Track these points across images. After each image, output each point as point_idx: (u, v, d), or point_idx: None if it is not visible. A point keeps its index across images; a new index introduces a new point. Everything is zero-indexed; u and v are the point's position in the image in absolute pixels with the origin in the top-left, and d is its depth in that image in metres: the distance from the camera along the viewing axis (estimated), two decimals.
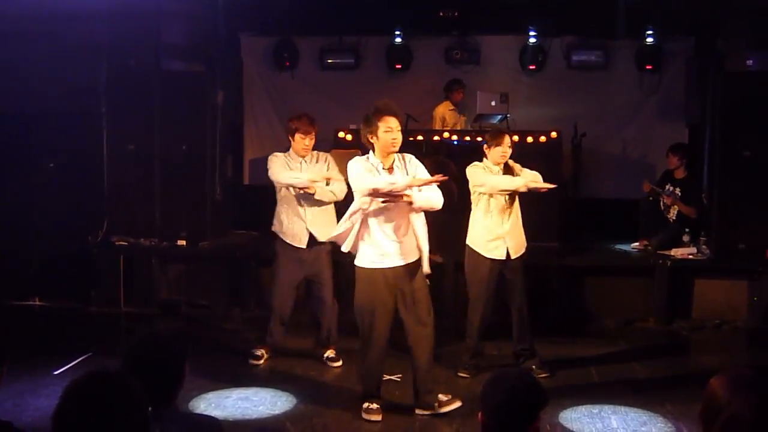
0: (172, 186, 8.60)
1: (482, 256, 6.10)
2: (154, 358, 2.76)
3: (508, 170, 6.13)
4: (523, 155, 8.51)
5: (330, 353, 6.51)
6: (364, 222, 5.13)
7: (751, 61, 8.29)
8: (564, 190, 9.39)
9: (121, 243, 8.48)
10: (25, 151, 8.62)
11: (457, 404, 5.27)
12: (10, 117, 8.49)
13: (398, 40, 10.59)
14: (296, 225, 6.33)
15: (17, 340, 6.89)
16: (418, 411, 5.29)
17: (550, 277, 7.90)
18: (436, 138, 9.16)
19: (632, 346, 7.24)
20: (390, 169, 5.12)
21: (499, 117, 9.33)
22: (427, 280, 5.30)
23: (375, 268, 5.14)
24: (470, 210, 6.20)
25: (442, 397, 5.32)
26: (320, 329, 6.55)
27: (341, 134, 9.13)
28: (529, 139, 8.89)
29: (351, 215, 5.15)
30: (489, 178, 6.04)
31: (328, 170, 6.33)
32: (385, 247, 5.11)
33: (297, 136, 6.31)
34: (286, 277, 6.44)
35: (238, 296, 8.32)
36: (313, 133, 6.34)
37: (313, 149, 6.44)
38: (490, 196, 6.05)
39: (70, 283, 8.42)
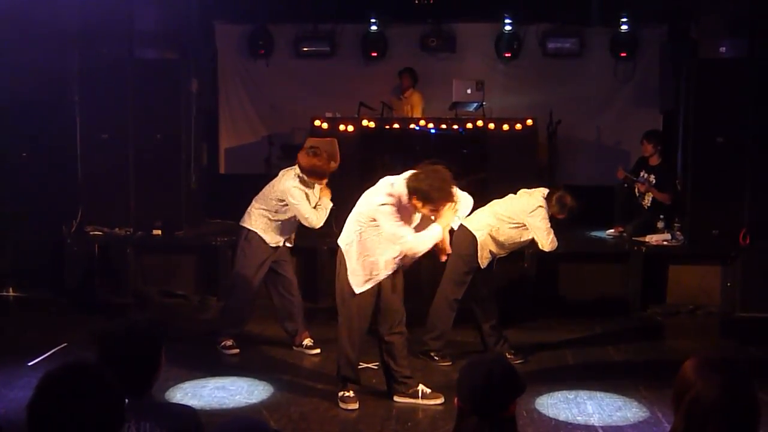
0: (147, 175, 8.52)
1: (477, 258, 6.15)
2: (128, 348, 2.74)
3: None
4: (499, 143, 8.63)
5: (308, 341, 6.51)
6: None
7: (724, 48, 8.34)
8: (540, 176, 9.44)
9: (95, 233, 8.41)
10: None
11: (440, 400, 5.27)
12: None
13: (374, 27, 10.59)
14: (280, 232, 6.38)
15: None
16: (397, 397, 5.31)
17: (525, 263, 7.92)
18: (412, 126, 9.16)
19: (607, 332, 7.29)
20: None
21: (475, 105, 9.35)
22: None
23: None
24: None
25: (425, 388, 5.32)
26: (290, 322, 6.52)
27: (317, 122, 9.09)
28: (505, 127, 8.90)
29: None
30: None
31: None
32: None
33: (313, 179, 6.16)
34: (258, 274, 6.42)
35: (214, 285, 8.27)
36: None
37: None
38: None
39: (44, 273, 8.34)
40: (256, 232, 6.34)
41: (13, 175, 8.51)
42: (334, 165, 6.29)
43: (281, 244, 6.42)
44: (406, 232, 4.93)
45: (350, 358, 5.26)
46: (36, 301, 8.15)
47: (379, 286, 5.15)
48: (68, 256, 8.34)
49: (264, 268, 6.40)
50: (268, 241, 6.34)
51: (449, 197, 4.91)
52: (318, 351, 6.44)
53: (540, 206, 6.05)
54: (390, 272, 5.12)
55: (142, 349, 2.78)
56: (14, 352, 6.10)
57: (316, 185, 6.19)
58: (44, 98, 8.36)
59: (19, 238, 8.48)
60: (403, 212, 4.95)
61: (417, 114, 9.94)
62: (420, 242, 4.94)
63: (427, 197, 4.85)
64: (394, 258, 5.07)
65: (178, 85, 8.69)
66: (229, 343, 6.48)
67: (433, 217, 4.99)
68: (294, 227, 6.44)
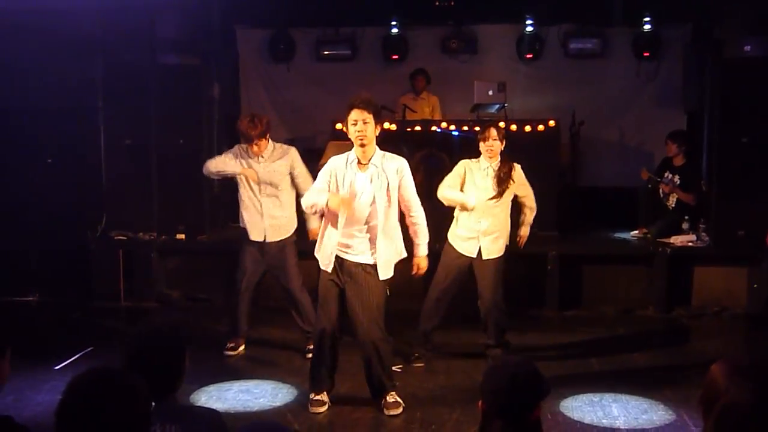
0: (170, 180, 8.57)
1: (454, 248, 6.11)
2: (152, 352, 2.76)
3: (506, 170, 6.03)
4: (521, 144, 8.58)
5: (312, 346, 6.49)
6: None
7: (749, 47, 8.26)
8: (563, 178, 9.40)
9: (119, 237, 8.47)
10: (22, 147, 8.59)
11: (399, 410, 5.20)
12: (6, 113, 8.47)
13: (394, 30, 10.58)
14: (255, 219, 6.38)
15: (17, 335, 6.96)
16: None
17: (549, 265, 7.88)
18: (433, 128, 9.14)
19: (632, 334, 7.25)
20: (364, 166, 5.06)
21: (497, 106, 9.31)
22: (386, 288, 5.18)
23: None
24: None
25: (389, 398, 5.24)
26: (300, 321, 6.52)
27: (338, 126, 9.08)
28: (527, 128, 8.86)
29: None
30: (441, 188, 6.09)
31: (292, 164, 6.33)
32: (342, 239, 5.12)
33: (243, 143, 6.33)
34: (249, 270, 6.47)
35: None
36: (255, 138, 6.20)
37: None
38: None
39: (69, 278, 8.42)
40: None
41: (38, 181, 8.61)
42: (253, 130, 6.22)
43: (262, 238, 6.38)
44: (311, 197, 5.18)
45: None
46: (61, 305, 8.22)
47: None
48: (93, 261, 8.41)
49: (255, 262, 6.45)
50: (250, 236, 6.43)
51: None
52: None
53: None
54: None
55: (167, 353, 2.79)
56: (41, 357, 6.15)
57: (282, 152, 6.33)
58: (68, 105, 8.46)
59: (44, 243, 8.56)
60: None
61: (438, 116, 9.92)
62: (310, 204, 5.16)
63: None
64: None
65: (200, 91, 8.75)
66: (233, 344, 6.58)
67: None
68: (257, 215, 6.36)
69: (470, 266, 6.11)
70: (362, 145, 5.02)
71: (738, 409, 2.18)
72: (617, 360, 6.49)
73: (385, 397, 5.21)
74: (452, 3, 10.10)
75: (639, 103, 10.41)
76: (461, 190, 6.06)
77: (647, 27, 10.11)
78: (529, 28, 10.35)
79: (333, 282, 5.14)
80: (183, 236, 8.53)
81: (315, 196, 5.12)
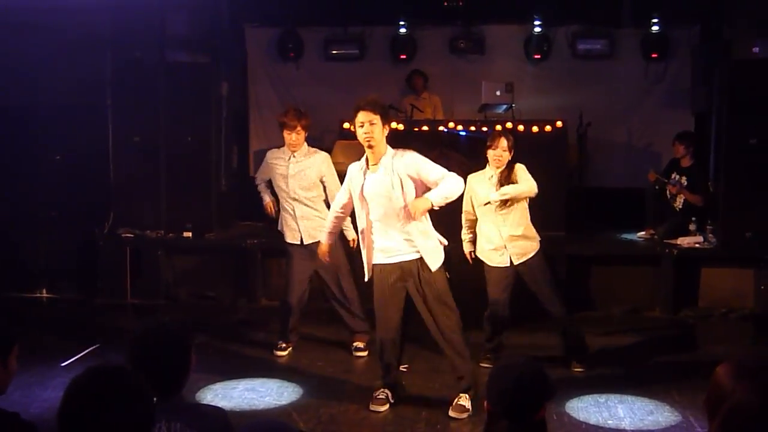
0: (178, 177, 8.59)
1: (488, 264, 6.06)
2: (158, 350, 2.76)
3: (508, 174, 5.94)
4: (529, 145, 8.57)
5: (358, 343, 6.52)
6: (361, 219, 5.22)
7: (757, 49, 8.23)
8: (570, 179, 9.39)
9: (127, 235, 8.50)
10: (31, 144, 8.64)
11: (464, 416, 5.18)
12: (16, 111, 8.51)
13: (403, 30, 10.59)
14: (289, 222, 6.43)
15: (25, 331, 6.99)
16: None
17: (556, 266, 7.87)
18: (441, 128, 9.14)
19: (639, 335, 7.24)
20: (375, 167, 5.04)
21: (504, 107, 9.31)
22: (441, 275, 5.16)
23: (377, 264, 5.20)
24: None
25: (459, 400, 5.22)
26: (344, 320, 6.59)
27: (346, 125, 9.11)
28: (535, 129, 8.86)
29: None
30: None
31: (321, 170, 6.35)
32: (378, 244, 5.14)
33: (284, 132, 6.36)
34: (295, 272, 6.47)
35: (244, 287, 8.32)
36: (299, 127, 6.29)
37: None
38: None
39: (76, 275, 8.46)
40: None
41: (47, 178, 8.65)
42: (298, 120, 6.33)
43: (297, 240, 6.42)
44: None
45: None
46: (69, 302, 8.26)
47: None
48: (100, 258, 8.44)
49: (301, 264, 6.46)
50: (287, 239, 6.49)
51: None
52: (366, 353, 6.46)
53: None
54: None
55: (172, 350, 2.79)
56: (48, 353, 6.19)
57: (314, 156, 6.37)
58: (77, 102, 8.49)
59: (52, 239, 8.61)
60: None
61: (440, 115, 9.93)
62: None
63: None
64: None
65: (208, 89, 8.77)
66: (283, 345, 6.60)
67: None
68: (292, 217, 6.41)
69: (514, 273, 6.05)
70: (370, 147, 5.02)
71: (744, 411, 2.17)
72: (623, 361, 6.48)
73: (456, 398, 5.21)
74: (461, 3, 10.09)
75: (647, 104, 10.40)
76: (473, 210, 6.07)
77: (655, 28, 10.10)
78: (537, 29, 10.34)
79: (389, 287, 5.15)
80: (190, 234, 8.54)
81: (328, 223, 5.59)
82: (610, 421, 5.08)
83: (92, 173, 8.67)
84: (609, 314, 7.83)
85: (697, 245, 8.09)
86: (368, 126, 4.97)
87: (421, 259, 5.05)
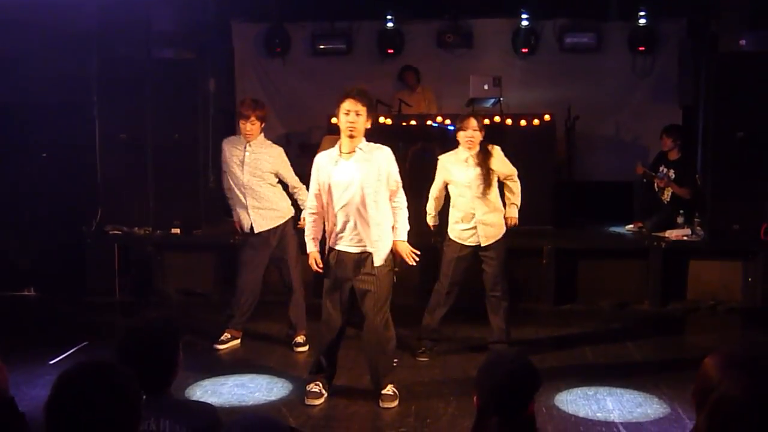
0: (166, 174, 8.55)
1: (455, 242, 6.16)
2: (145, 346, 2.76)
3: (485, 155, 6.07)
4: (517, 139, 8.59)
5: (298, 338, 6.55)
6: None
7: (744, 42, 8.26)
8: (558, 173, 9.40)
9: (115, 232, 8.46)
10: (17, 142, 8.58)
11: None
12: (1, 109, 8.45)
13: (390, 24, 10.57)
14: (240, 213, 6.49)
15: (12, 330, 6.95)
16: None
17: (544, 259, 7.89)
18: (429, 122, 9.13)
19: (627, 328, 7.26)
20: (349, 155, 5.05)
21: (492, 101, 9.30)
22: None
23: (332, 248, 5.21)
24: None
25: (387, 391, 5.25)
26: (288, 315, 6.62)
27: (334, 120, 9.03)
28: (523, 123, 8.87)
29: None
30: (429, 200, 6.31)
31: (276, 164, 6.42)
32: (337, 231, 5.14)
33: (240, 121, 6.41)
34: (247, 261, 6.55)
35: (233, 284, 8.28)
36: (253, 117, 6.32)
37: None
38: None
39: (64, 272, 8.41)
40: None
41: (33, 176, 8.60)
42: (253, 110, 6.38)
43: (247, 228, 6.49)
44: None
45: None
46: (56, 300, 8.21)
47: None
48: (88, 256, 8.40)
49: (252, 253, 6.54)
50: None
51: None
52: (306, 348, 6.49)
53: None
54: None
55: (160, 347, 2.79)
56: (36, 351, 6.14)
57: (269, 149, 6.43)
58: (63, 99, 8.45)
59: (40, 237, 8.55)
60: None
61: (434, 109, 9.93)
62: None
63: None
64: None
65: (195, 85, 8.72)
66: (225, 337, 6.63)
67: None
68: (243, 207, 6.47)
69: (474, 256, 6.15)
70: (351, 136, 5.04)
71: (731, 402, 2.18)
72: (612, 354, 6.50)
73: (383, 389, 5.23)
74: None
75: (634, 97, 10.42)
76: (446, 190, 6.21)
77: (642, 21, 10.11)
78: (525, 23, 10.34)
79: (337, 275, 5.16)
80: (179, 231, 8.51)
81: (308, 230, 5.33)
82: (599, 414, 5.09)
83: (79, 171, 8.62)
84: (598, 307, 7.85)
85: (685, 238, 8.12)
86: (354, 115, 5.00)
87: (371, 253, 5.07)
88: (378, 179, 5.01)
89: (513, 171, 6.21)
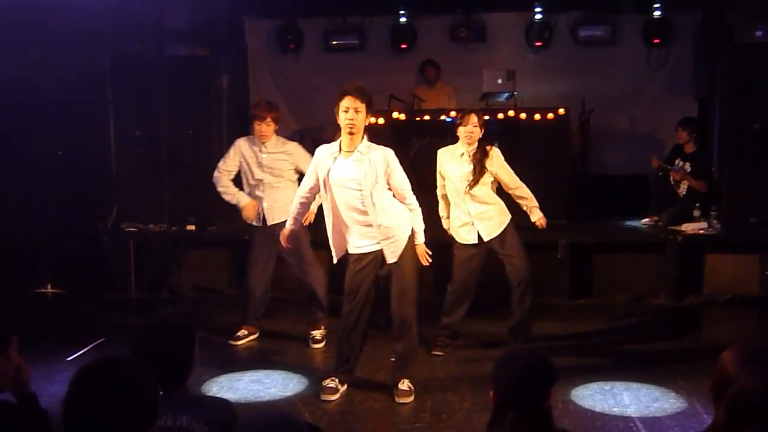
0: (180, 171, 8.59)
1: (459, 243, 6.14)
2: (161, 342, 2.77)
3: (481, 153, 6.04)
4: (531, 133, 8.56)
5: (316, 333, 6.55)
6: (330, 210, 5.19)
7: (760, 32, 8.20)
8: (573, 166, 9.36)
9: (130, 229, 8.50)
10: (33, 140, 8.62)
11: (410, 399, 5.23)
12: (16, 108, 8.49)
13: (403, 19, 10.54)
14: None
15: (30, 327, 7.00)
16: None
17: (559, 254, 7.86)
18: (442, 117, 9.11)
19: (643, 323, 7.23)
20: (349, 153, 5.05)
21: (506, 95, 9.27)
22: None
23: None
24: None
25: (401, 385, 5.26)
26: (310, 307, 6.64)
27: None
28: (537, 117, 8.83)
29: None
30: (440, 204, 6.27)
31: (297, 159, 6.41)
32: (349, 233, 5.16)
33: (254, 122, 6.42)
34: (258, 255, 6.57)
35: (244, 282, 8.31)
36: (269, 119, 6.35)
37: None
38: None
39: (81, 269, 8.45)
40: None
41: (49, 173, 8.63)
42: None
43: (260, 222, 6.54)
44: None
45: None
46: (73, 297, 8.26)
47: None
48: (104, 253, 8.44)
49: (262, 248, 6.58)
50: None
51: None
52: (322, 345, 6.49)
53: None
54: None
55: (176, 343, 2.80)
56: (53, 348, 6.18)
57: (284, 146, 6.45)
58: (78, 97, 8.47)
59: (56, 235, 8.59)
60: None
61: (453, 105, 9.91)
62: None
63: None
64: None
65: (208, 81, 8.76)
66: (242, 333, 6.65)
67: None
68: (270, 197, 6.50)
69: (484, 254, 6.13)
70: (350, 134, 5.04)
71: (749, 396, 2.17)
72: (628, 348, 6.48)
73: (398, 384, 5.23)
74: None
75: (649, 90, 10.35)
76: (444, 184, 6.22)
77: (657, 13, 10.04)
78: (538, 16, 10.29)
79: (359, 273, 5.17)
80: (193, 227, 8.55)
81: (293, 207, 5.46)
82: (615, 409, 5.08)
83: (94, 168, 8.67)
84: (613, 301, 7.82)
85: (701, 231, 8.07)
86: (353, 113, 5.00)
87: (381, 250, 5.10)
88: (376, 180, 5.00)
89: (517, 184, 6.12)
